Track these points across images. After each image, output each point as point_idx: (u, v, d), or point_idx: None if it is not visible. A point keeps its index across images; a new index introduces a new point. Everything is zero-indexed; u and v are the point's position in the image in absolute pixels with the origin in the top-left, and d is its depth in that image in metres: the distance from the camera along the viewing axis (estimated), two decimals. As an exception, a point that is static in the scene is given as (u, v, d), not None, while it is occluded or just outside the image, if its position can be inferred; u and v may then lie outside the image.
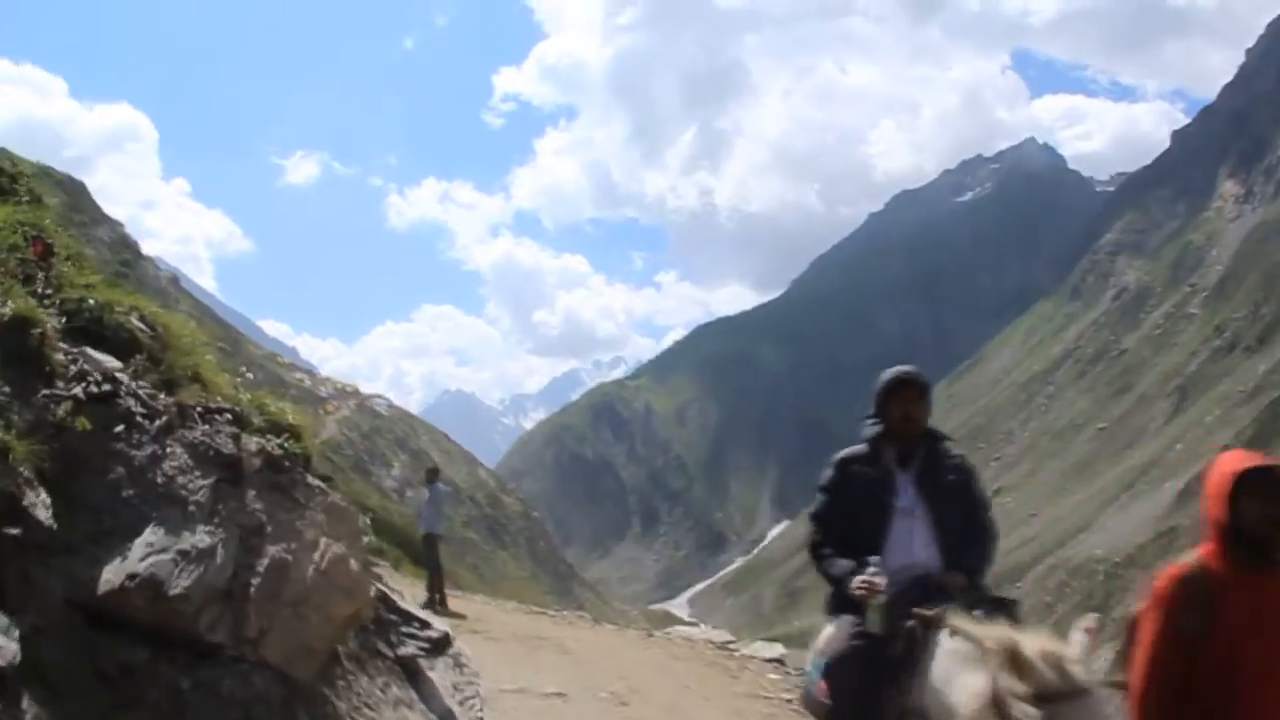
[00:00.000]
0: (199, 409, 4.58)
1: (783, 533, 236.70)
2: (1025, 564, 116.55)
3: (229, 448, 4.35)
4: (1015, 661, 3.51)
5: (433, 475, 19.19)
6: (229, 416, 4.74)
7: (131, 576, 3.72)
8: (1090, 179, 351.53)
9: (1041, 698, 3.43)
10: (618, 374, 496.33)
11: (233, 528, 4.12)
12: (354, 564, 4.62)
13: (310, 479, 4.72)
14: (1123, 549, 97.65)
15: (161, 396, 4.48)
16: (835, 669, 4.51)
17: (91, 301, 4.96)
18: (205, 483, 4.17)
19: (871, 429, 5.19)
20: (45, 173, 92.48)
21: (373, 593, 5.13)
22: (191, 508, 4.07)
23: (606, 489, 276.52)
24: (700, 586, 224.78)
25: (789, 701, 11.11)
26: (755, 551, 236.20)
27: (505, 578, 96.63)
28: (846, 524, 4.97)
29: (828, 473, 5.24)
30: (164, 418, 4.29)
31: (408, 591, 17.63)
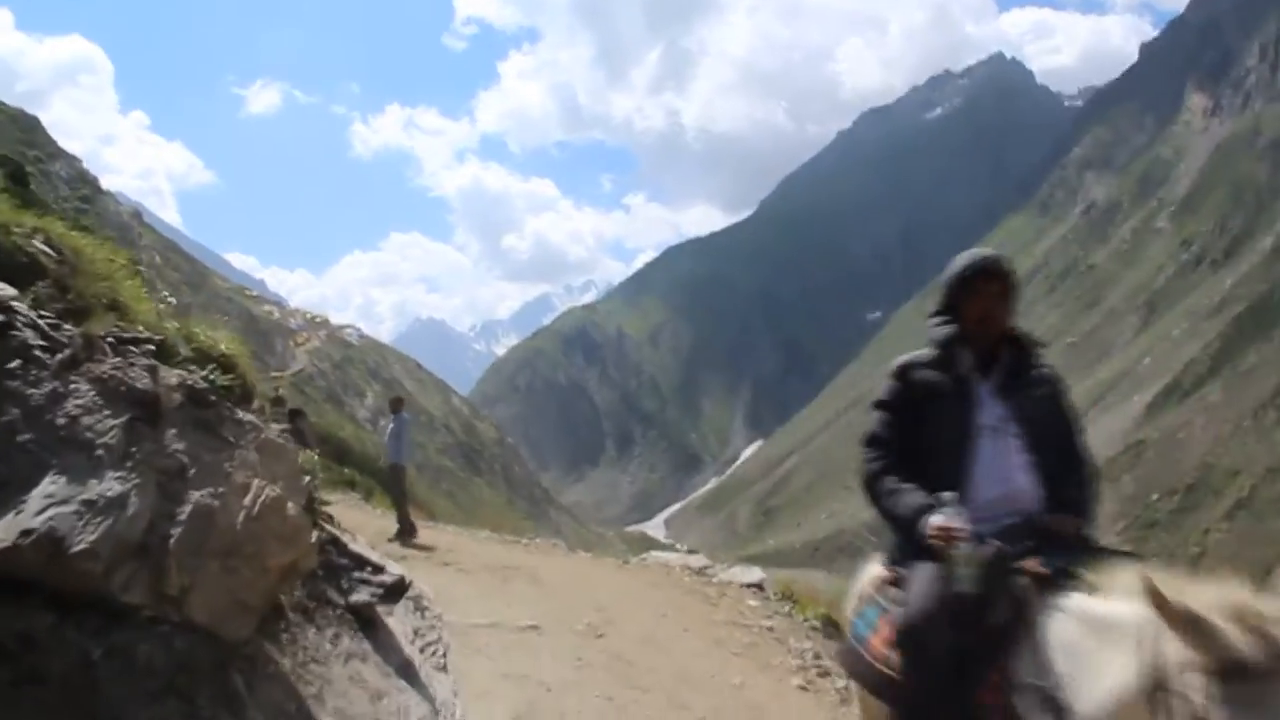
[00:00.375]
0: (110, 339, 4.03)
1: (756, 452, 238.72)
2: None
3: (144, 382, 3.82)
4: (1191, 624, 2.46)
5: (396, 404, 18.74)
6: (148, 348, 4.20)
7: (26, 533, 3.21)
8: (1059, 94, 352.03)
9: (1234, 673, 2.40)
10: (589, 298, 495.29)
11: (149, 472, 3.60)
12: (292, 507, 4.11)
13: (242, 414, 4.20)
14: (1095, 459, 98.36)
15: (66, 327, 3.94)
16: (914, 635, 3.49)
17: (-18, 224, 4.38)
18: (116, 423, 3.64)
19: (942, 329, 4.15)
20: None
21: (316, 537, 4.60)
22: (99, 451, 3.54)
23: (580, 413, 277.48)
24: (675, 507, 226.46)
25: (770, 630, 10.78)
26: (729, 471, 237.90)
27: (481, 504, 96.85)
28: (915, 446, 3.97)
29: (886, 384, 4.18)
30: (67, 350, 3.75)
31: (378, 524, 17.19)
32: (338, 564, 5.04)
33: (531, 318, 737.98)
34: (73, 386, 3.65)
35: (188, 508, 3.54)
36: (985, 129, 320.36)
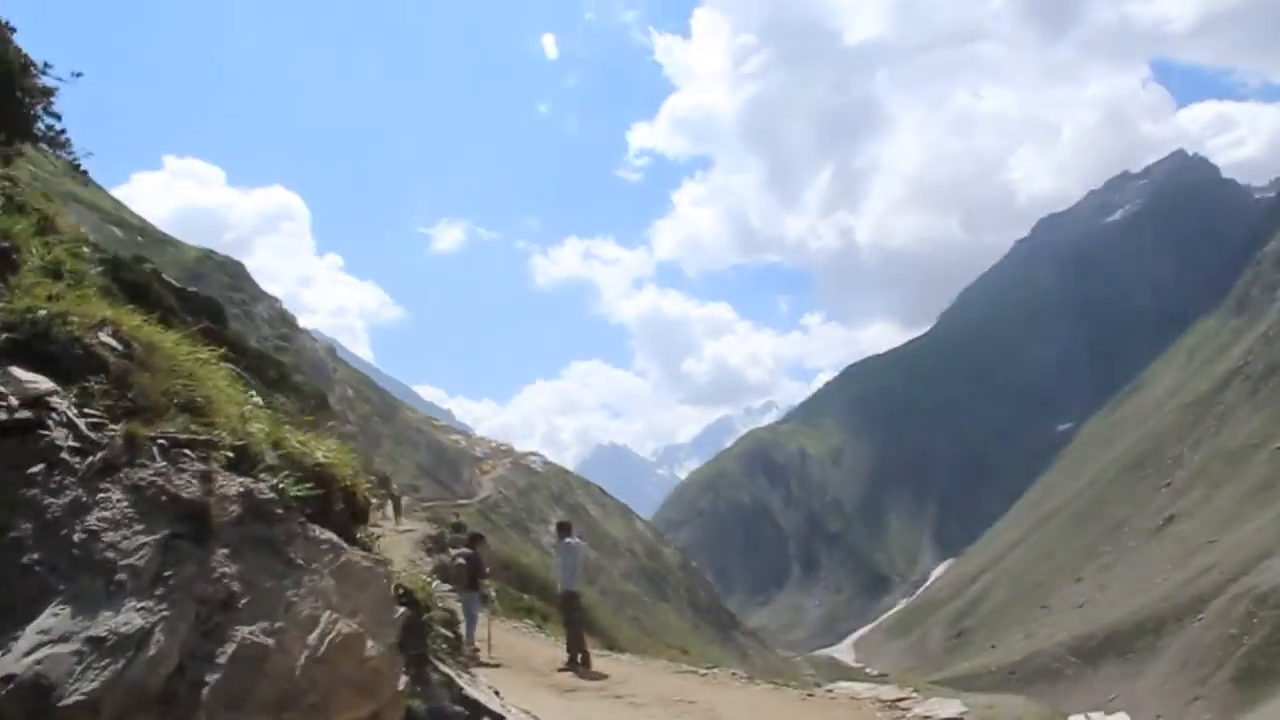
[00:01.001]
0: (163, 441, 3.32)
1: (946, 571, 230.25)
2: (1207, 594, 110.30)
3: (191, 490, 3.08)
4: None
5: (565, 529, 17.86)
6: (218, 453, 3.48)
7: (7, 679, 2.45)
8: (1248, 187, 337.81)
9: None
10: (769, 419, 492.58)
11: (185, 602, 2.84)
12: (374, 646, 3.28)
13: (319, 531, 3.42)
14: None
15: (111, 427, 3.25)
16: None
17: (42, 312, 3.77)
18: (148, 540, 2.90)
19: None
20: (208, 255, 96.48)
21: (406, 683, 3.72)
22: (121, 575, 2.80)
23: (764, 535, 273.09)
24: (864, 630, 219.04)
25: (974, 772, 9.44)
26: (919, 592, 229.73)
27: (667, 629, 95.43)
28: None
29: None
30: (102, 453, 3.05)
31: (549, 652, 16.37)
32: (450, 712, 4.22)
33: (713, 440, 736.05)
34: (101, 496, 2.93)
35: (231, 647, 2.75)
36: (1171, 229, 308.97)
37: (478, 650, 16.17)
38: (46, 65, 14.63)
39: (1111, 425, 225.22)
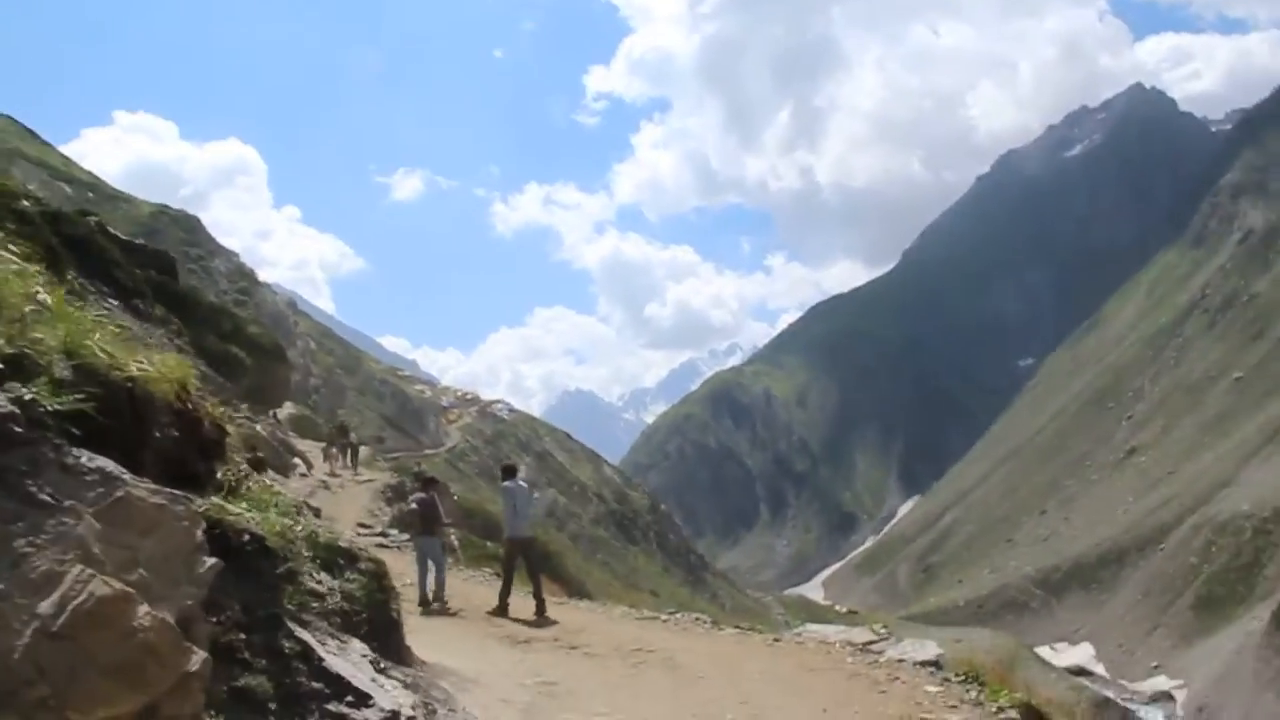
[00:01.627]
0: None
1: (913, 509, 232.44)
2: (1168, 524, 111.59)
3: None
4: None
5: (507, 472, 16.70)
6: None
7: None
8: (1204, 120, 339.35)
9: None
10: (734, 361, 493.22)
11: None
12: (147, 612, 2.30)
13: (85, 458, 2.44)
14: (1270, 502, 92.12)
15: None
16: None
17: None
18: None
19: None
20: (162, 211, 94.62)
21: (203, 662, 2.70)
22: None
23: (732, 477, 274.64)
24: (833, 569, 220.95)
25: (955, 722, 8.64)
26: (886, 530, 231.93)
27: (637, 572, 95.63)
28: None
29: None
30: None
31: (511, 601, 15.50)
32: (305, 689, 3.32)
33: (678, 384, 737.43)
34: None
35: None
36: (1129, 162, 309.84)
37: (434, 599, 15.31)
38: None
39: (1073, 360, 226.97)
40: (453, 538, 23.92)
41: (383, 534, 24.01)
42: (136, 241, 47.40)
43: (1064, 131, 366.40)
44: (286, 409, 58.54)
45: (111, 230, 42.92)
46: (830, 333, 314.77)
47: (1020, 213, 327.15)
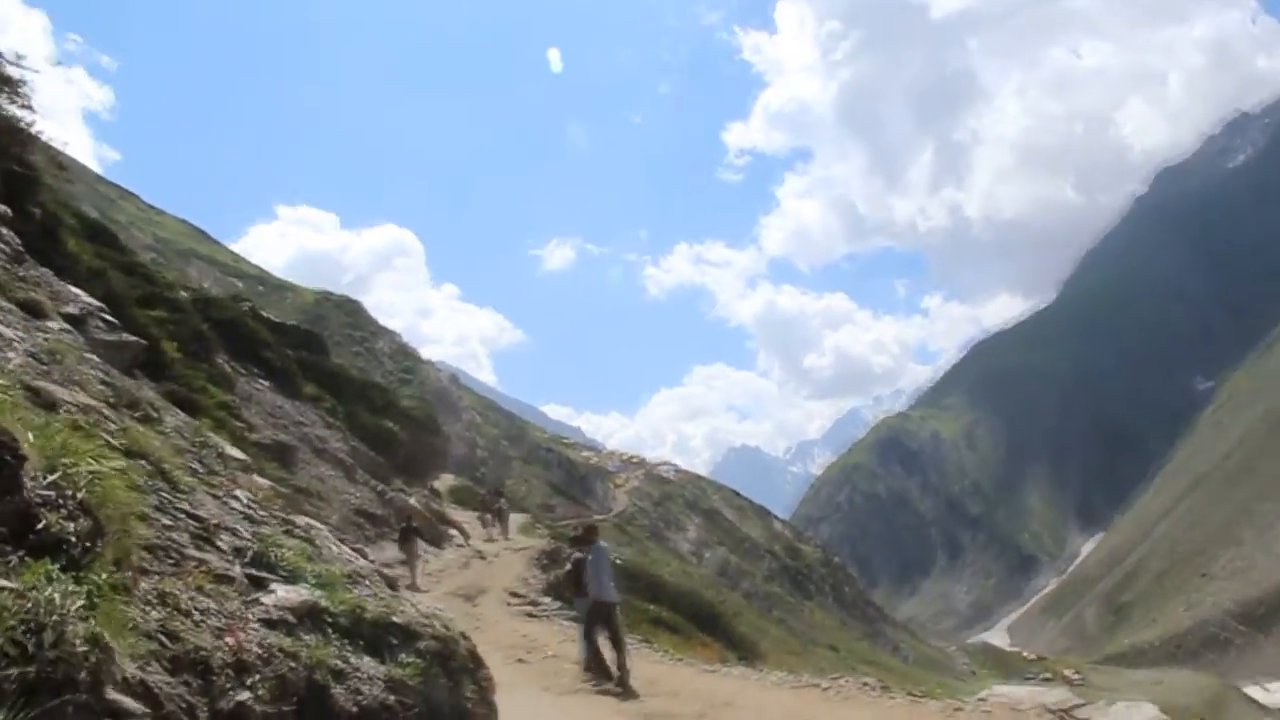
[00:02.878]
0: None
1: (1096, 546, 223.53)
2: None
3: None
4: None
5: (589, 535, 16.09)
6: None
7: None
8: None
9: None
10: (899, 406, 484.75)
11: None
12: None
13: None
14: None
15: None
16: None
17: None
18: None
19: None
20: (325, 296, 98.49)
21: None
22: None
23: (905, 524, 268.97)
24: (1017, 613, 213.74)
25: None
26: (1070, 570, 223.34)
27: (815, 627, 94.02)
28: None
29: None
30: None
31: (662, 671, 15.53)
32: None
33: (844, 433, 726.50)
34: None
35: None
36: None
37: (595, 669, 14.95)
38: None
39: (1256, 379, 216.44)
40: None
41: (532, 603, 24.23)
42: (288, 324, 49.63)
43: (1224, 141, 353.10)
44: (447, 481, 59.72)
45: (263, 314, 45.09)
46: (994, 369, 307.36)
47: (1184, 229, 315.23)
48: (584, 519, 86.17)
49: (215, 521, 5.76)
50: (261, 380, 36.12)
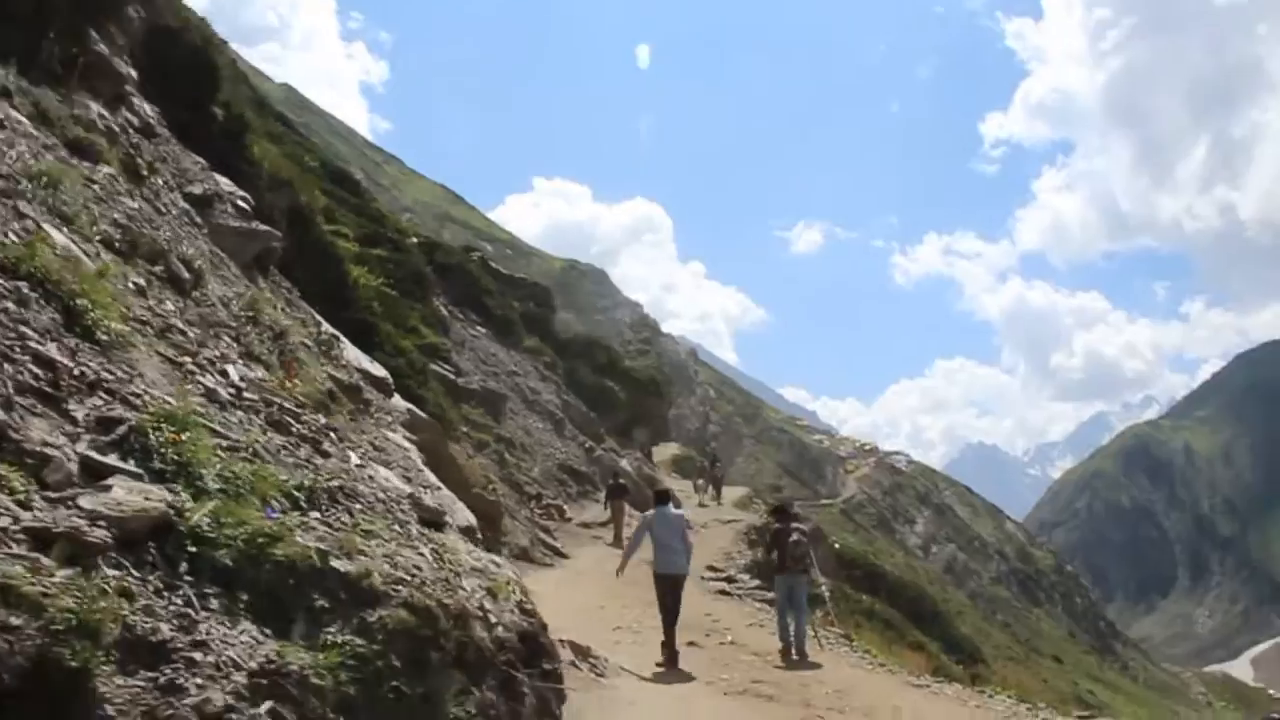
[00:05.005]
0: None
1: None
2: None
3: None
4: None
5: (662, 497, 13.43)
6: None
7: None
8: None
9: None
10: (1150, 414, 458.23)
11: None
12: None
13: None
14: None
15: None
16: None
17: None
18: None
19: None
20: (572, 265, 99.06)
21: None
22: None
23: (1147, 539, 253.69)
24: (1264, 646, 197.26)
25: None
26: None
27: (1040, 636, 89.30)
28: None
29: None
30: None
31: (831, 674, 12.70)
32: None
33: (1088, 438, 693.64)
34: None
35: None
36: None
37: (794, 651, 13.03)
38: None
39: None
40: (824, 587, 21.28)
41: (729, 579, 21.81)
42: (516, 276, 48.82)
43: None
44: (670, 449, 58.13)
45: (492, 264, 44.30)
46: (1261, 383, 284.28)
47: None
48: (783, 497, 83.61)
49: (86, 379, 3.57)
50: (479, 327, 35.38)
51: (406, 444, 7.77)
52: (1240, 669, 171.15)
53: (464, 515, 7.04)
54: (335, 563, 3.38)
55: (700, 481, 41.10)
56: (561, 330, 46.83)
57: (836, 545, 43.12)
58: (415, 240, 35.32)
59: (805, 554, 13.81)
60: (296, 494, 3.84)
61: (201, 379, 4.68)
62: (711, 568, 22.82)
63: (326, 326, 11.10)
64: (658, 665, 11.75)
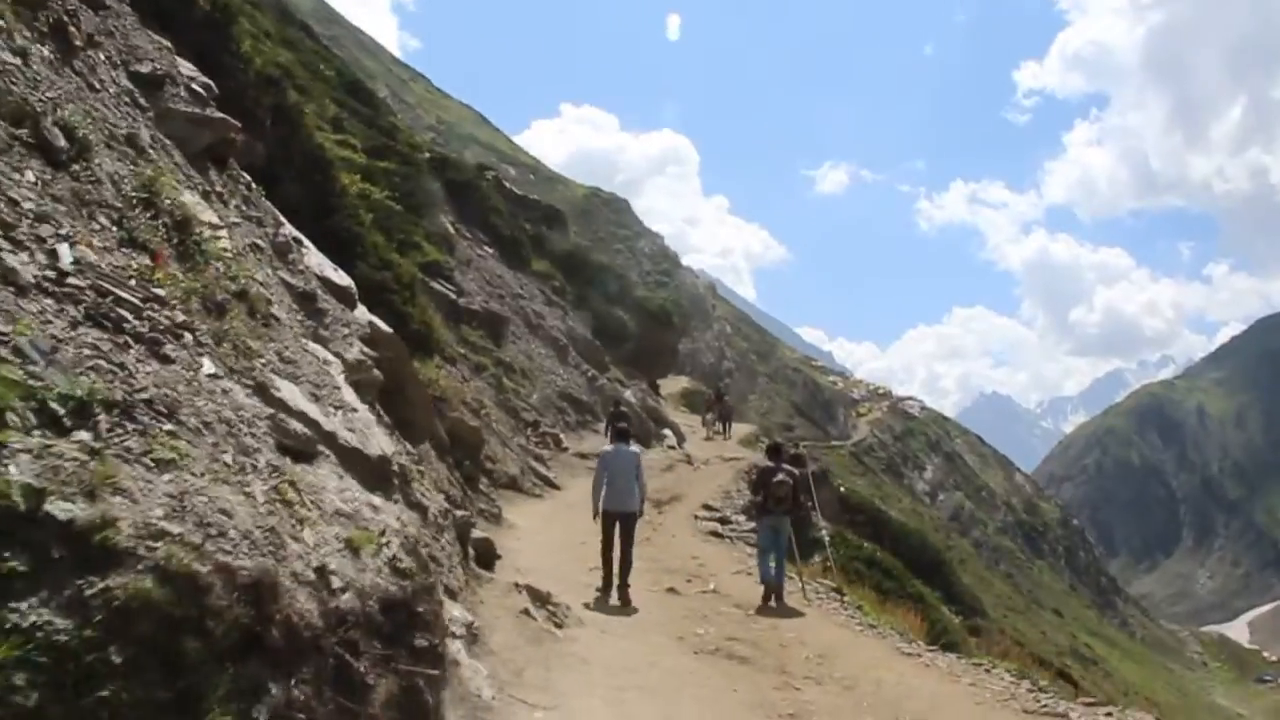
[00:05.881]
0: None
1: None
2: None
3: None
4: None
5: (620, 434, 12.81)
6: None
7: None
8: None
9: None
10: (1166, 374, 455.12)
11: None
12: None
13: None
14: None
15: None
16: None
17: None
18: None
19: None
20: (594, 193, 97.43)
21: None
22: None
23: (1154, 498, 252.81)
24: (1263, 609, 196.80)
25: None
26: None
27: (1040, 588, 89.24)
28: None
29: None
30: None
31: (850, 637, 11.65)
32: None
33: (1102, 394, 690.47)
34: None
35: None
36: None
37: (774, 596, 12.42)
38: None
39: None
40: (824, 532, 20.28)
41: (723, 520, 20.42)
42: (530, 197, 47.40)
43: None
44: (680, 383, 57.32)
45: (506, 184, 42.90)
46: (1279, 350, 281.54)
47: None
48: (789, 437, 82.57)
49: None
50: (487, 248, 34.09)
51: (330, 357, 6.69)
52: (1237, 631, 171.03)
53: (379, 444, 5.96)
54: (54, 506, 2.34)
55: (709, 416, 40.37)
56: (575, 256, 45.48)
57: (842, 488, 42.09)
58: (427, 156, 34.08)
59: (788, 495, 13.05)
60: (57, 407, 2.79)
61: (8, 256, 3.64)
62: (707, 506, 21.59)
63: (289, 229, 10.12)
64: (616, 604, 11.23)
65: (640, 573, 12.18)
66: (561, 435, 26.26)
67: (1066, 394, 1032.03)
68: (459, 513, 10.53)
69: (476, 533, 11.25)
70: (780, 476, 13.08)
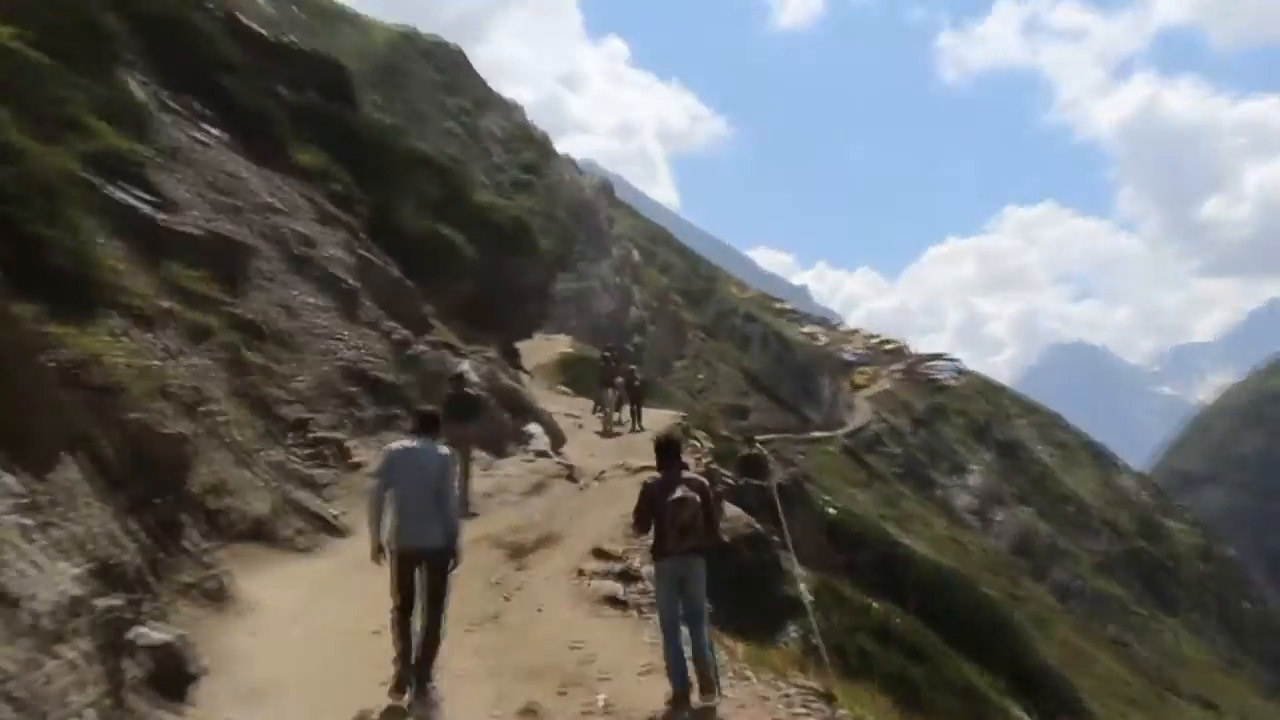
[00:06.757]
0: None
1: None
2: None
3: None
4: None
5: (425, 423, 13.56)
6: None
7: None
8: None
9: None
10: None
11: None
12: None
13: None
14: None
15: None
16: None
17: None
18: None
19: None
20: (407, 39, 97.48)
21: None
22: None
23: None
24: None
25: None
26: None
27: (1178, 662, 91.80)
28: None
29: None
30: None
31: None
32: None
33: (1259, 337, 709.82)
34: None
35: None
36: None
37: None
38: None
39: None
40: (803, 586, 20.40)
41: (625, 575, 19.90)
42: (293, 45, 46.55)
43: None
44: (558, 345, 58.14)
45: (247, 22, 42.01)
46: None
47: None
48: (800, 438, 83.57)
49: None
50: (211, 128, 33.21)
51: None
52: None
53: None
54: None
55: (609, 394, 40.96)
56: (372, 143, 44.96)
57: (831, 510, 42.56)
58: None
59: (694, 521, 12.62)
60: None
61: None
62: (601, 552, 21.20)
63: None
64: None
65: (478, 679, 12.00)
66: (349, 442, 25.79)
67: (1199, 339, 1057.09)
68: (109, 602, 9.74)
69: (162, 630, 10.89)
70: (680, 493, 12.64)
